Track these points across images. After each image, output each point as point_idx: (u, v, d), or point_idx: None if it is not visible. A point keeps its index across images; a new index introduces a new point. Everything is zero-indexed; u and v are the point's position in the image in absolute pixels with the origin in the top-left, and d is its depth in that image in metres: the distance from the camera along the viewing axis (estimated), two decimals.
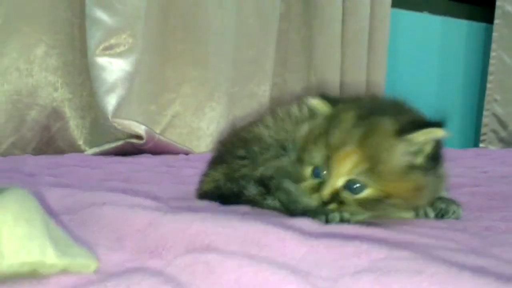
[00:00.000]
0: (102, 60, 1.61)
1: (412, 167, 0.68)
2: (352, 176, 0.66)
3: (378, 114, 0.69)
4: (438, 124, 0.68)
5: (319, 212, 0.70)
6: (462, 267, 0.43)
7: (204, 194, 0.90)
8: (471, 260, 0.50)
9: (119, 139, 1.65)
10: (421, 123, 0.69)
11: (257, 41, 2.08)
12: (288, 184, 0.78)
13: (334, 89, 2.27)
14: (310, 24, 2.25)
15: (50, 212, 0.69)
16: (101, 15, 1.58)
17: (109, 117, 1.60)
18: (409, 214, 0.78)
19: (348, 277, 0.42)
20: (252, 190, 0.83)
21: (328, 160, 0.67)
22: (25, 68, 1.64)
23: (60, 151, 1.70)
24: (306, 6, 2.27)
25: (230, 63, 2.02)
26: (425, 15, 2.75)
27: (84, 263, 0.44)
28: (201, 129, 1.93)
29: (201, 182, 0.92)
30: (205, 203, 0.85)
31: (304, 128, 0.75)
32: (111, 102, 1.61)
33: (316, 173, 0.70)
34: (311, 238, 0.52)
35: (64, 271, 0.43)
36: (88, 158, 1.51)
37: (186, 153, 1.75)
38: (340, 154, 0.66)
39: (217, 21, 1.91)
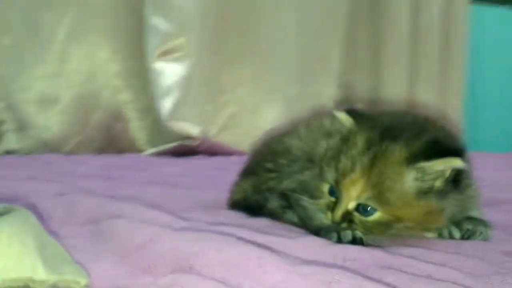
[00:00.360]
0: (158, 65, 1.68)
1: (424, 192, 0.66)
2: (362, 201, 0.67)
3: (392, 137, 0.68)
4: (455, 153, 0.67)
5: (331, 230, 0.71)
6: None
7: (233, 204, 0.93)
8: None
9: (175, 141, 1.71)
10: (436, 152, 0.66)
11: (321, 41, 2.07)
12: (305, 200, 0.79)
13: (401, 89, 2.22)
14: (377, 22, 2.21)
15: (76, 221, 0.75)
16: (157, 21, 1.65)
17: (165, 119, 1.67)
18: (431, 234, 0.77)
19: None
20: (274, 203, 0.85)
21: (338, 183, 0.68)
22: (90, 72, 1.75)
23: (121, 151, 1.80)
24: (372, 3, 2.22)
25: (291, 63, 2.03)
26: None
27: (73, 279, 0.48)
28: (258, 129, 1.96)
29: (232, 191, 0.95)
30: (230, 214, 0.88)
31: (324, 145, 0.75)
32: (166, 105, 1.68)
33: (331, 192, 0.70)
34: (292, 264, 0.53)
35: (54, 287, 0.47)
36: (142, 159, 1.59)
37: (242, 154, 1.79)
38: (346, 181, 0.67)
39: (275, 21, 1.93)
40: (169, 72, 1.70)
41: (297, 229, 0.77)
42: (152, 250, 0.57)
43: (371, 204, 0.66)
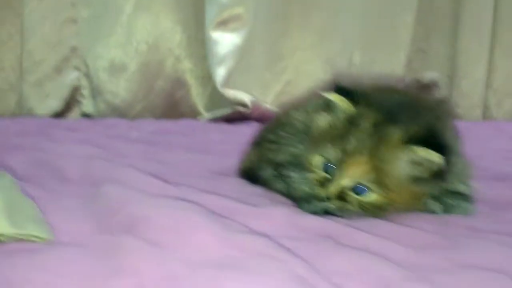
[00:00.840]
0: (215, 35, 1.76)
1: (416, 179, 0.70)
2: (362, 181, 0.70)
3: (395, 121, 0.70)
4: (439, 149, 0.68)
5: (308, 201, 0.75)
6: None
7: (241, 172, 0.99)
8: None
9: (229, 107, 1.80)
10: (426, 143, 0.68)
11: (391, 8, 2.03)
12: (292, 171, 0.83)
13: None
14: None
15: (81, 183, 0.86)
16: None
17: (220, 87, 1.75)
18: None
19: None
20: (267, 172, 0.90)
21: (340, 162, 0.70)
22: (154, 42, 1.87)
23: (183, 116, 1.91)
24: None
25: (355, 31, 2.01)
26: None
27: (34, 234, 0.58)
28: None
29: (241, 160, 1.01)
30: (231, 182, 0.94)
31: (323, 120, 0.77)
32: (221, 73, 1.75)
33: (326, 167, 0.73)
34: (230, 231, 0.59)
35: (19, 240, 0.57)
36: (194, 125, 1.69)
37: None
38: (353, 161, 0.69)
39: None
40: (225, 41, 1.77)
41: (279, 199, 0.82)
42: (120, 213, 0.65)
43: (370, 185, 0.69)
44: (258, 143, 0.98)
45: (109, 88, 1.87)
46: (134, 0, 1.85)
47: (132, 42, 1.87)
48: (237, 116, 1.80)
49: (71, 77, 1.83)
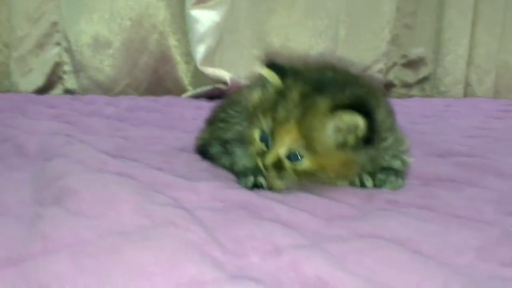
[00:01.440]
0: (195, 12, 1.79)
1: (343, 145, 0.73)
2: (293, 147, 0.73)
3: (321, 91, 0.73)
4: (363, 114, 0.71)
5: (245, 175, 0.80)
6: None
7: (196, 149, 1.03)
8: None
9: (210, 84, 1.83)
10: (354, 107, 0.71)
11: None
12: (237, 147, 0.87)
13: None
14: None
15: (38, 158, 0.91)
16: None
17: (198, 64, 1.79)
18: (343, 182, 0.82)
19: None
20: (215, 149, 0.94)
21: (272, 132, 0.75)
22: (137, 18, 1.90)
23: (168, 92, 1.96)
24: None
25: (340, 7, 2.03)
26: None
27: None
28: None
29: (196, 138, 1.05)
30: (182, 157, 0.98)
31: (256, 94, 0.81)
32: (200, 51, 1.79)
33: (263, 138, 0.77)
34: (148, 202, 0.64)
35: None
36: (174, 101, 1.73)
37: None
38: (282, 129, 0.73)
39: None
40: (205, 19, 1.80)
41: (220, 174, 0.86)
42: (54, 186, 0.70)
43: (301, 151, 0.73)
44: (211, 121, 1.02)
45: (93, 64, 1.91)
46: None
47: (115, 18, 1.90)
48: (217, 93, 1.83)
49: (53, 52, 1.87)
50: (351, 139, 0.72)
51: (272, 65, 0.78)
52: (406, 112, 1.64)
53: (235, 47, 1.92)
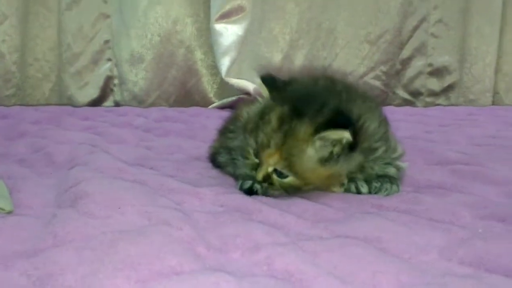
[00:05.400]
0: (219, 26, 1.88)
1: (326, 159, 0.78)
2: (277, 167, 0.80)
3: (300, 114, 0.78)
4: (346, 126, 0.76)
5: (244, 179, 0.87)
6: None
7: (209, 157, 1.11)
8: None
9: (235, 95, 1.92)
10: (334, 124, 0.76)
11: None
12: (240, 155, 0.94)
13: None
14: None
15: (64, 166, 1.01)
16: None
17: (224, 76, 1.88)
18: (339, 190, 0.88)
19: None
20: (222, 158, 1.01)
21: (257, 153, 0.81)
22: (165, 34, 2.01)
23: (195, 103, 2.06)
24: None
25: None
26: None
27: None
28: None
29: (210, 147, 1.13)
30: (196, 165, 1.06)
31: (246, 111, 0.88)
32: (225, 63, 1.88)
33: (255, 154, 0.83)
34: (149, 205, 0.72)
35: None
36: (200, 112, 1.82)
37: None
38: (264, 153, 0.80)
39: None
40: (228, 32, 1.89)
41: (225, 181, 0.93)
42: (71, 190, 0.79)
43: (284, 171, 0.80)
44: (222, 131, 1.09)
45: (130, 77, 2.04)
46: None
47: (147, 35, 2.01)
48: (242, 103, 1.91)
49: (105, 67, 2.02)
50: (337, 149, 0.78)
51: (266, 78, 0.84)
52: (424, 122, 1.67)
53: (255, 59, 2.00)
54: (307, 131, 0.77)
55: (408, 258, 0.60)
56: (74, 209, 0.72)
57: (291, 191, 0.82)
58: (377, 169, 0.87)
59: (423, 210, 0.76)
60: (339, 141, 0.78)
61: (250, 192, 0.84)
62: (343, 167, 0.81)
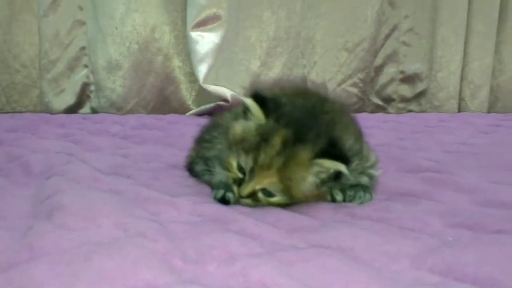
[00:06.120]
0: (195, 34, 1.89)
1: (318, 184, 0.81)
2: (270, 188, 0.81)
3: (302, 139, 0.79)
4: (343, 160, 0.78)
5: (219, 189, 0.87)
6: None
7: (186, 166, 1.12)
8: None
9: (213, 102, 1.93)
10: (330, 155, 0.78)
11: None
12: (217, 164, 0.95)
13: None
14: None
15: (44, 175, 1.00)
16: None
17: (201, 83, 1.88)
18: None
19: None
20: (199, 167, 1.02)
21: (252, 170, 0.80)
22: (143, 42, 2.01)
23: (174, 110, 2.06)
24: None
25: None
26: None
27: None
28: None
29: (186, 156, 1.13)
30: (172, 174, 1.07)
31: (239, 127, 0.85)
32: (202, 70, 1.89)
33: (241, 170, 0.83)
34: (126, 215, 0.72)
35: None
36: (178, 119, 1.83)
37: None
38: (262, 173, 0.79)
39: None
40: (205, 40, 1.90)
41: (201, 190, 0.94)
42: (46, 201, 0.79)
43: (277, 193, 0.81)
44: (198, 141, 1.10)
45: (107, 85, 2.03)
46: (125, 1, 1.99)
47: (125, 42, 2.01)
48: (219, 111, 1.92)
49: (82, 74, 2.01)
50: (327, 177, 0.80)
51: (257, 97, 0.83)
52: (397, 129, 1.70)
53: (232, 66, 2.01)
54: (307, 158, 0.78)
55: (379, 267, 0.61)
56: (50, 221, 0.72)
57: (275, 206, 0.83)
58: (352, 179, 0.89)
59: (395, 218, 0.78)
60: (328, 170, 0.80)
61: (223, 201, 0.84)
62: (327, 186, 0.84)
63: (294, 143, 0.78)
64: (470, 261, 0.61)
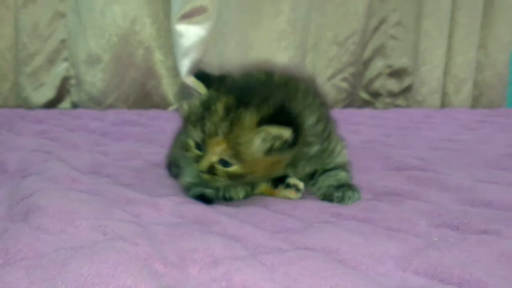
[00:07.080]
0: (180, 27, 1.86)
1: (268, 150, 0.80)
2: (223, 157, 0.80)
3: (246, 103, 0.79)
4: (288, 125, 0.78)
5: (188, 189, 0.87)
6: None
7: (166, 166, 1.09)
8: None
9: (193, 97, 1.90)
10: (276, 120, 0.78)
11: None
12: (183, 162, 0.92)
13: None
14: None
15: (19, 174, 0.97)
16: None
17: (183, 78, 1.86)
18: (296, 196, 0.89)
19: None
20: (175, 169, 0.99)
21: (203, 142, 0.81)
22: (124, 35, 1.97)
23: (155, 105, 2.03)
24: None
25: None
26: None
27: None
28: None
29: (166, 155, 1.11)
30: (152, 173, 1.04)
31: (186, 106, 0.86)
32: (186, 64, 1.86)
33: (198, 146, 0.83)
34: (102, 216, 0.70)
35: None
36: (159, 115, 1.80)
37: None
38: (212, 142, 0.80)
39: None
40: (190, 33, 1.87)
41: (179, 189, 0.92)
42: (23, 202, 0.76)
43: (230, 160, 0.80)
44: (175, 140, 1.08)
45: (87, 78, 1.99)
46: None
47: (104, 35, 1.97)
48: None
49: (62, 67, 1.97)
50: (277, 144, 0.80)
51: (199, 75, 0.85)
52: (383, 125, 1.70)
53: (219, 60, 1.99)
54: (253, 121, 0.78)
55: (365, 269, 0.60)
56: (26, 223, 0.69)
57: (235, 180, 0.83)
58: (308, 170, 0.89)
59: (380, 218, 0.77)
60: (279, 137, 0.79)
61: (203, 199, 0.84)
62: (285, 157, 0.83)
63: (238, 108, 0.78)
64: (456, 262, 0.60)
